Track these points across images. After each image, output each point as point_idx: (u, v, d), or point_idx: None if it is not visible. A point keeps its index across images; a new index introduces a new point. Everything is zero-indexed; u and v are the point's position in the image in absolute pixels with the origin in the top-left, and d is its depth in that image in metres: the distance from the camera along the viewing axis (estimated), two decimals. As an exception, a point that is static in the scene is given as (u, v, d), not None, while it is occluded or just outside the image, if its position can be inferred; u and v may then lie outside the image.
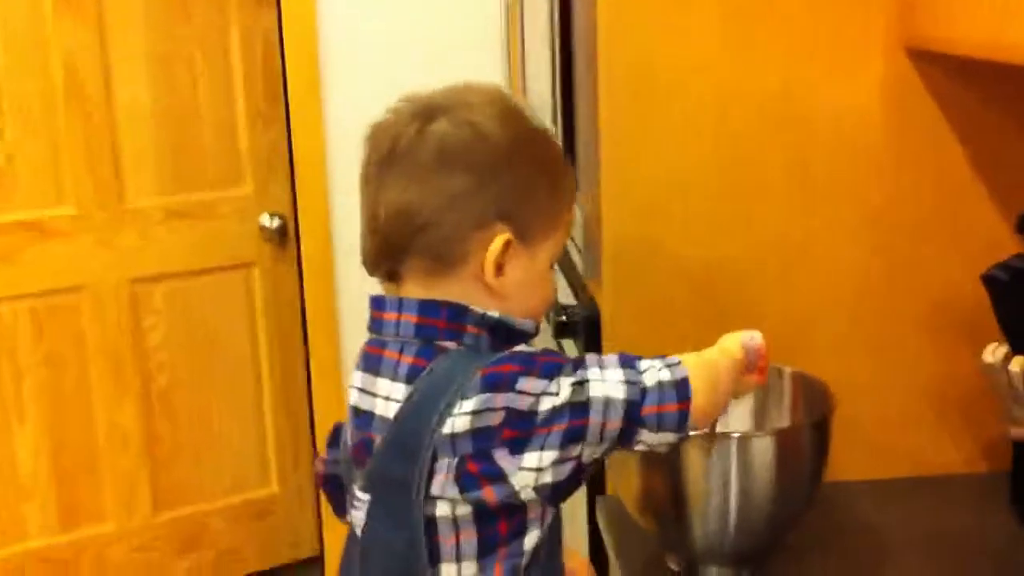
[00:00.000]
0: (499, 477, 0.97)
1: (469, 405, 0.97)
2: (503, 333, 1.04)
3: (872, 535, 1.27)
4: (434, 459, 0.98)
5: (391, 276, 1.07)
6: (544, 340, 1.66)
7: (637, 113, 1.29)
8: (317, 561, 2.94)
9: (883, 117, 1.31)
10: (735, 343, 1.06)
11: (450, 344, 1.03)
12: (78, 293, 2.58)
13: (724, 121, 1.30)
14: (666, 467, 1.13)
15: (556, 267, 1.63)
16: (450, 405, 0.97)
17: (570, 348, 1.56)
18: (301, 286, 2.78)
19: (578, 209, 1.43)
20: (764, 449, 1.11)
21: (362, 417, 1.05)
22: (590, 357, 1.00)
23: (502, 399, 0.96)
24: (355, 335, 2.82)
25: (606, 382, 0.97)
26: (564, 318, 1.49)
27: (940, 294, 1.36)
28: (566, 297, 1.56)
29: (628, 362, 1.00)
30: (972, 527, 1.29)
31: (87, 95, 2.51)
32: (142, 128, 2.58)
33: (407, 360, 1.03)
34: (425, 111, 1.05)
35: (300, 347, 2.84)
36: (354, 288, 2.72)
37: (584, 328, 1.42)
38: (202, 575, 2.85)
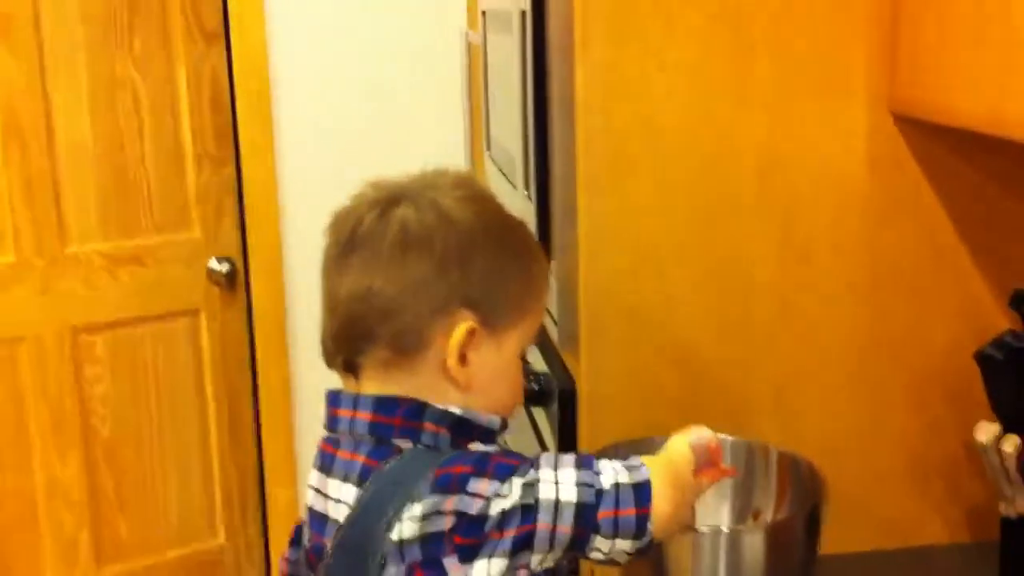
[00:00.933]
0: None
1: (418, 509, 0.91)
2: (466, 430, 0.99)
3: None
4: (383, 567, 0.92)
5: (349, 367, 1.02)
6: (516, 422, 1.61)
7: (616, 176, 1.25)
8: (266, 614, 2.86)
9: (868, 176, 1.28)
10: (683, 444, 0.99)
11: (405, 443, 0.98)
12: (18, 344, 2.47)
13: (705, 183, 1.26)
14: (652, 560, 1.07)
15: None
16: (399, 509, 0.92)
17: (541, 417, 1.50)
18: (251, 333, 2.69)
19: (553, 279, 1.37)
20: (754, 543, 1.07)
21: (316, 520, 1.00)
22: (546, 457, 0.94)
23: (452, 502, 0.91)
24: (307, 384, 2.75)
25: (559, 483, 0.92)
26: (536, 386, 1.43)
27: (924, 360, 1.33)
28: (540, 365, 1.50)
29: (585, 463, 0.94)
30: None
31: (27, 135, 2.41)
32: (84, 170, 2.49)
33: (359, 460, 0.98)
34: (388, 196, 1.00)
35: (249, 396, 2.76)
36: (307, 336, 2.65)
37: (559, 398, 1.36)
38: (146, 632, 2.74)
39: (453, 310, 0.97)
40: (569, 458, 0.94)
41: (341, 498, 0.98)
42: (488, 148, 1.96)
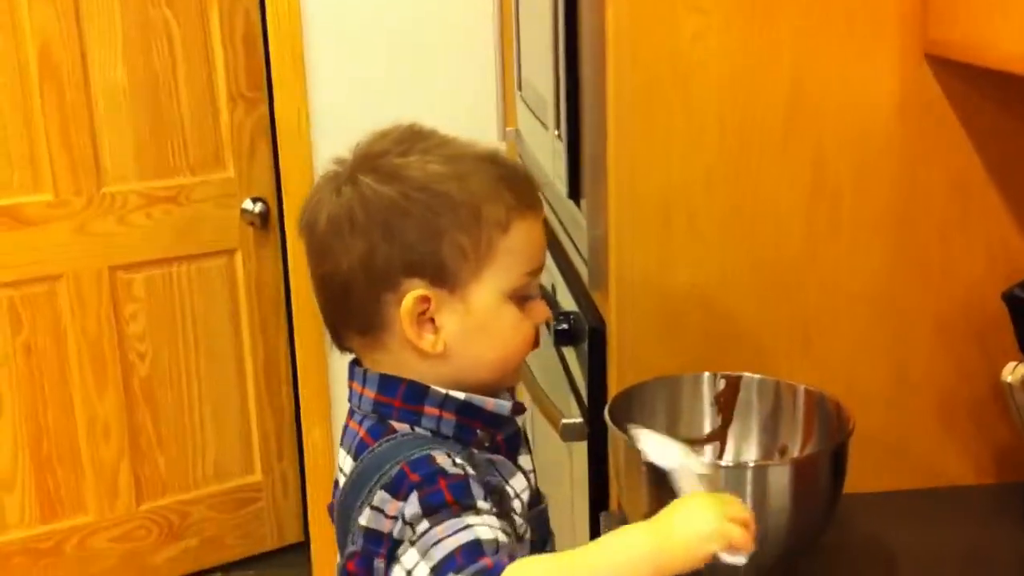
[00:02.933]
0: None
1: (376, 499, 0.92)
2: (472, 415, 0.98)
3: (883, 549, 1.24)
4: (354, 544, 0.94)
5: (346, 351, 1.04)
6: (546, 347, 1.62)
7: (646, 117, 1.24)
8: (302, 547, 2.91)
9: (898, 117, 1.27)
10: (703, 544, 0.85)
11: (403, 426, 0.97)
12: (56, 282, 2.52)
13: (734, 123, 1.25)
14: (677, 490, 1.09)
15: (558, 275, 1.60)
16: (371, 493, 0.92)
17: (572, 357, 1.52)
18: (285, 272, 2.72)
19: (582, 217, 1.38)
20: (780, 478, 1.08)
21: (336, 480, 1.03)
22: (434, 532, 0.88)
23: (395, 508, 0.90)
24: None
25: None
26: (566, 326, 1.45)
27: (953, 302, 1.32)
28: (568, 303, 1.51)
29: (445, 568, 0.86)
30: (985, 540, 1.26)
31: (63, 78, 2.43)
32: (120, 111, 2.51)
33: (360, 434, 0.99)
34: (328, 180, 1.00)
35: (284, 334, 2.79)
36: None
37: (589, 337, 1.38)
38: (185, 563, 2.81)
39: (398, 282, 0.95)
40: (439, 553, 0.87)
41: (343, 468, 1.00)
42: (519, 88, 1.96)
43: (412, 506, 0.89)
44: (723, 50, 1.23)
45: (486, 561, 0.85)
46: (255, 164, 2.68)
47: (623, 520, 1.20)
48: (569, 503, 1.58)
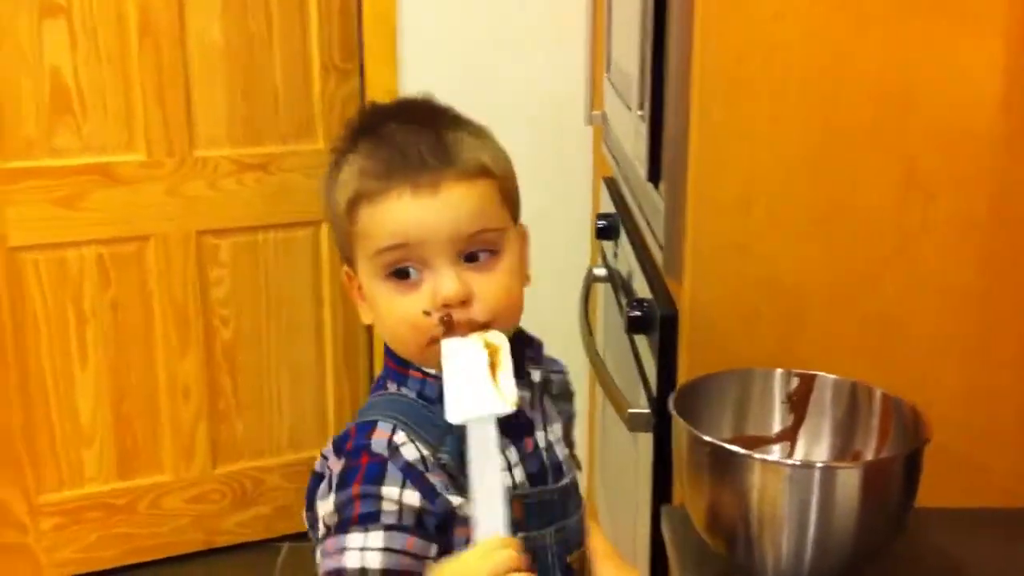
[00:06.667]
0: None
1: (327, 446, 1.00)
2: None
3: (952, 565, 1.18)
4: None
5: None
6: (618, 335, 1.59)
7: (731, 100, 1.20)
8: (371, 522, 2.92)
9: (1000, 110, 1.19)
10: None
11: (392, 387, 1.03)
12: (145, 242, 2.56)
13: (821, 110, 1.20)
14: (742, 486, 1.05)
15: (633, 261, 1.56)
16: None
17: (642, 344, 1.48)
18: (369, 247, 2.72)
19: (660, 201, 1.34)
20: (849, 481, 1.03)
21: None
22: (326, 543, 0.96)
23: (333, 464, 0.97)
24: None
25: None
26: (638, 313, 1.41)
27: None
28: (643, 291, 1.47)
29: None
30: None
31: (161, 38, 2.46)
32: (215, 75, 2.53)
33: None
34: None
35: (364, 308, 2.80)
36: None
37: (661, 324, 1.34)
38: (255, 530, 2.84)
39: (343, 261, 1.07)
40: (322, 567, 0.96)
41: None
42: (608, 70, 1.92)
43: (335, 471, 0.97)
44: (807, 31, 1.18)
45: None
46: (345, 136, 2.68)
47: (684, 516, 1.17)
48: (633, 495, 1.54)
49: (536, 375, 1.08)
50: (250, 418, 2.77)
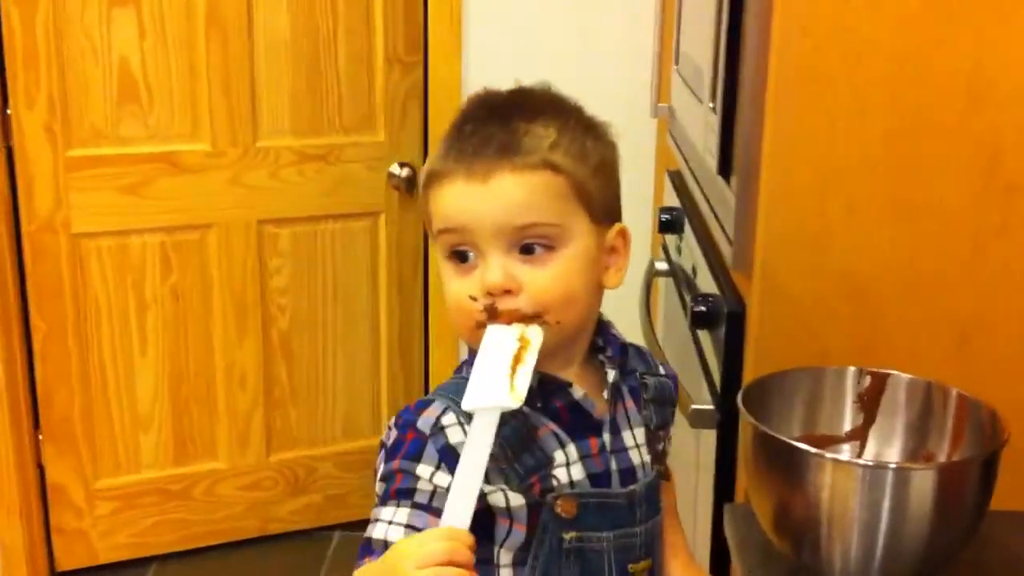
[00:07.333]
0: None
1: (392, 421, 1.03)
2: None
3: (1027, 576, 1.16)
4: None
5: None
6: (680, 330, 1.57)
7: (809, 93, 1.18)
8: (423, 515, 2.92)
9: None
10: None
11: (465, 371, 1.02)
12: (207, 230, 2.58)
13: (904, 106, 1.18)
14: (811, 485, 1.03)
15: (699, 255, 1.54)
16: None
17: (706, 340, 1.46)
18: (426, 238, 2.73)
19: (731, 194, 1.32)
20: (923, 483, 1.01)
21: None
22: (373, 511, 0.99)
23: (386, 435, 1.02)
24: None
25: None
26: (703, 308, 1.40)
27: None
28: (708, 286, 1.46)
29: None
30: None
31: (228, 27, 2.47)
32: (280, 66, 2.54)
33: None
34: None
35: (420, 299, 2.80)
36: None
37: (727, 321, 1.32)
38: (308, 517, 2.85)
39: None
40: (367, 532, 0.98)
41: None
42: (676, 62, 1.90)
43: (388, 443, 1.01)
44: (896, 25, 1.16)
45: (366, 560, 0.95)
46: (405, 129, 2.69)
47: (748, 514, 1.15)
48: (693, 491, 1.53)
49: (611, 375, 1.06)
50: (305, 407, 2.78)
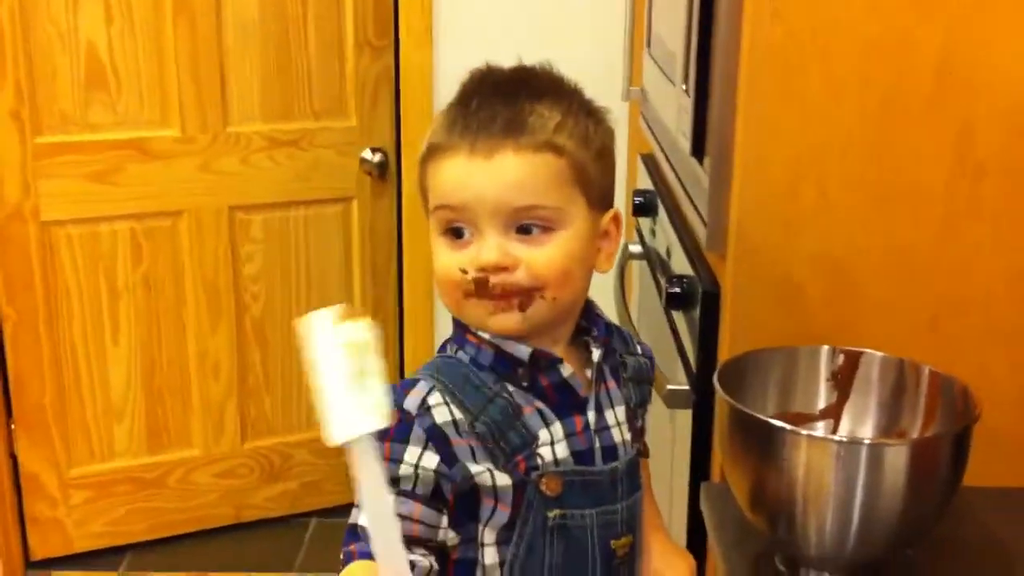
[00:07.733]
0: None
1: None
2: (500, 352, 1.02)
3: (999, 546, 1.17)
4: None
5: None
6: (655, 312, 1.58)
7: (781, 76, 1.19)
8: (398, 500, 2.93)
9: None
10: None
11: (451, 349, 1.04)
12: (177, 217, 2.56)
13: (876, 88, 1.19)
14: (786, 462, 1.04)
15: (673, 237, 1.55)
16: None
17: (680, 321, 1.47)
18: (399, 224, 2.72)
19: (704, 176, 1.33)
20: (896, 459, 1.02)
21: None
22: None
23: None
24: (451, 277, 2.75)
25: None
26: (678, 289, 1.40)
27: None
28: (683, 267, 1.46)
29: None
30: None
31: (196, 12, 2.45)
32: (249, 51, 2.53)
33: None
34: None
35: (394, 285, 2.80)
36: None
37: (702, 301, 1.33)
38: (283, 505, 2.85)
39: None
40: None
41: None
42: (648, 45, 1.91)
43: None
44: (867, 8, 1.16)
45: (351, 547, 0.95)
46: (377, 114, 2.68)
47: (724, 492, 1.16)
48: (668, 471, 1.54)
49: (596, 355, 1.07)
50: (279, 394, 2.78)
